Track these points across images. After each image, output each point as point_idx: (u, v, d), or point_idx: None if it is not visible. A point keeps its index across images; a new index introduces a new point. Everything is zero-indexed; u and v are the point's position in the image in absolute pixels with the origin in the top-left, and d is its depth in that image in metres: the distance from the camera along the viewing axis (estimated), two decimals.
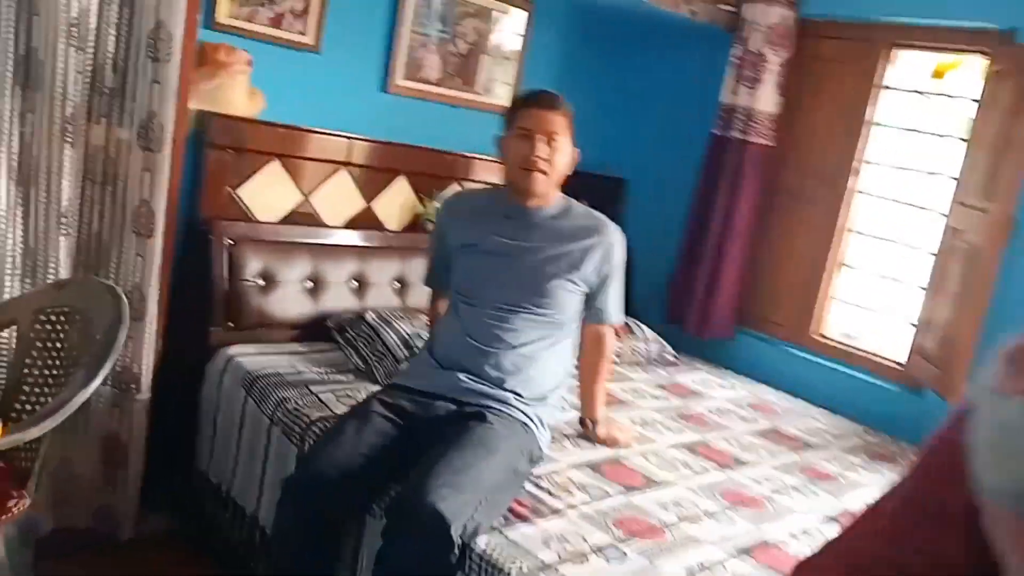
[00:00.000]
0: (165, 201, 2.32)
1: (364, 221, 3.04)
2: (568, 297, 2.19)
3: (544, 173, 2.12)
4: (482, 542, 1.75)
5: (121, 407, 2.39)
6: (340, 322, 2.76)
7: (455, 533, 1.69)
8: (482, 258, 2.21)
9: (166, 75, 2.23)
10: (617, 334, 2.62)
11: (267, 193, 2.78)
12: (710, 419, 2.83)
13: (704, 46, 3.69)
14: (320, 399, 2.34)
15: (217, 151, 2.63)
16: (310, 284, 2.78)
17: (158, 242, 2.32)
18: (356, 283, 2.90)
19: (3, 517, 1.70)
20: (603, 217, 2.27)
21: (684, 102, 3.79)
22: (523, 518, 1.88)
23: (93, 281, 2.14)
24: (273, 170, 2.78)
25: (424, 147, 3.11)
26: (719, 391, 3.19)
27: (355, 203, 3.02)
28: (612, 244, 2.23)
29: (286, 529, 1.88)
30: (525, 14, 3.42)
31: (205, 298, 2.58)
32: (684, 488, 2.21)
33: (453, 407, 2.04)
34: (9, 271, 2.13)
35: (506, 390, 2.09)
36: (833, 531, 0.87)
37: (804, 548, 2.00)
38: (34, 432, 1.67)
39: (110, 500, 2.44)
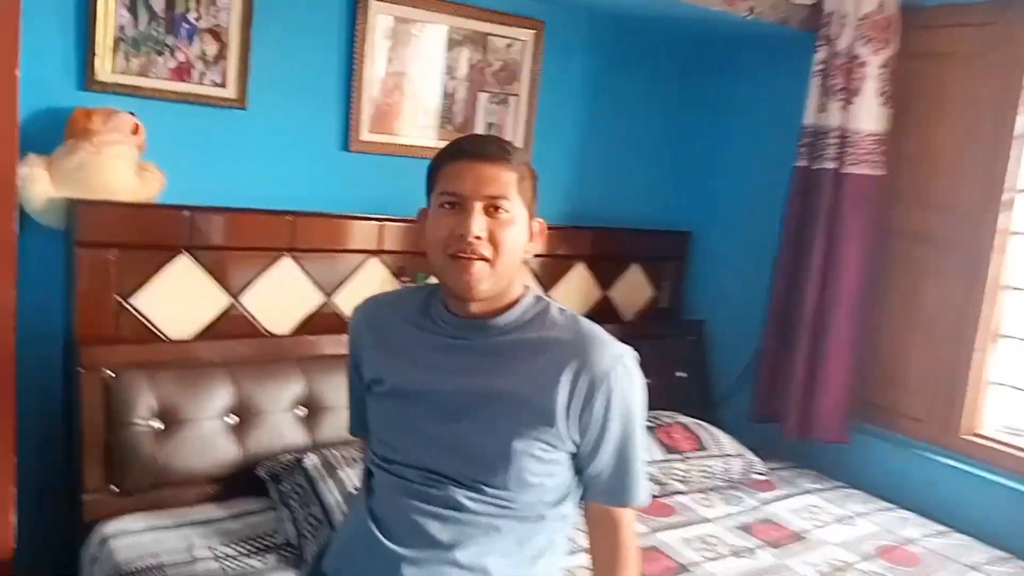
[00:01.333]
0: None
1: (322, 323, 2.29)
2: (539, 468, 1.35)
3: (485, 261, 1.32)
4: None
5: None
6: (274, 469, 2.00)
7: None
8: (398, 402, 1.41)
9: None
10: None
11: (177, 300, 2.08)
12: None
13: (775, 55, 2.82)
14: None
15: (90, 250, 1.94)
16: (233, 419, 2.04)
17: None
18: (304, 409, 2.14)
19: None
20: (594, 329, 1.39)
21: (755, 130, 2.91)
22: None
23: None
24: (181, 268, 2.07)
25: (403, 218, 2.36)
26: (833, 529, 2.23)
27: (308, 300, 2.29)
28: (608, 374, 1.33)
29: None
30: (531, 34, 2.64)
31: (73, 454, 1.87)
32: None
33: None
34: None
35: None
36: None
37: None
38: None
39: None
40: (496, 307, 1.37)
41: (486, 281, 1.32)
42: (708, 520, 2.20)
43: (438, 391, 1.36)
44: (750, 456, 2.47)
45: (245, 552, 1.80)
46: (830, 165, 2.53)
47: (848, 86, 2.51)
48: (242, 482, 2.01)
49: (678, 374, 2.89)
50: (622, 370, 1.34)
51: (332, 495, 1.86)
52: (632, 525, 1.41)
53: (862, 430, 2.62)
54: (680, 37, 2.90)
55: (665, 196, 3.05)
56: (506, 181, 1.32)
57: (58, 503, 1.96)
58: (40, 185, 1.88)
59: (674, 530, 2.11)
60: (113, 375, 1.91)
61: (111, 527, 1.82)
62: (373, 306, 1.51)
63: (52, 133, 1.94)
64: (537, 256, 2.66)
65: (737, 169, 2.97)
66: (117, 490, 1.90)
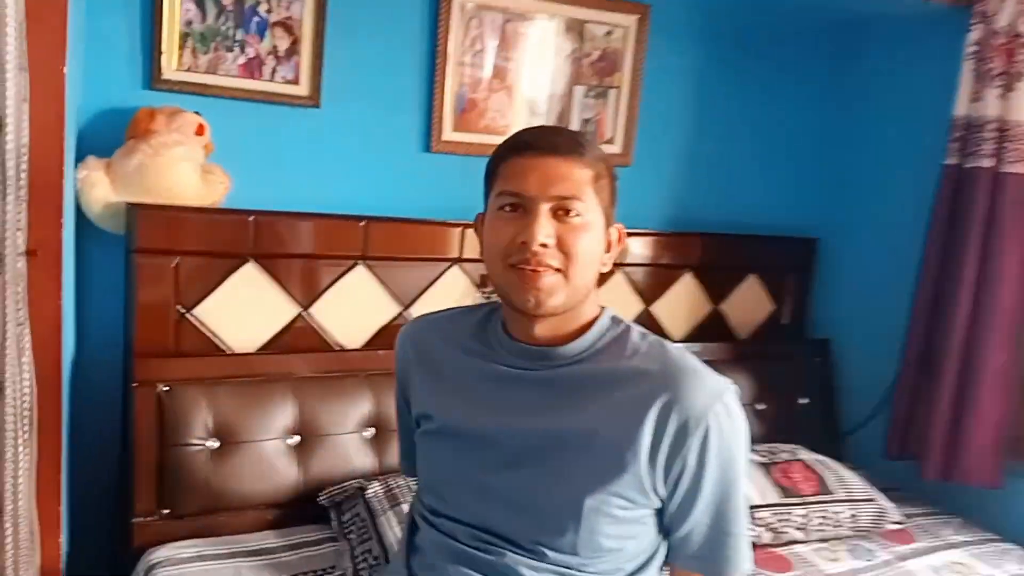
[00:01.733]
0: (29, 338, 1.54)
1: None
2: (616, 530, 1.11)
3: (557, 271, 1.09)
4: None
5: None
6: (336, 496, 1.84)
7: None
8: (448, 444, 1.20)
9: None
10: None
11: (241, 310, 1.95)
12: None
13: (920, 36, 2.45)
14: None
15: (150, 257, 1.83)
16: (295, 440, 1.89)
17: (9, 407, 1.53)
18: (372, 431, 1.97)
19: None
20: (686, 358, 1.13)
21: (896, 123, 2.55)
22: None
23: None
24: (246, 277, 1.94)
25: None
26: None
27: (382, 311, 2.12)
28: (705, 414, 1.08)
29: None
30: (634, 19, 2.39)
31: (122, 474, 1.77)
32: None
33: None
34: None
35: None
36: None
37: None
38: None
39: None
40: (566, 331, 1.15)
41: (556, 296, 1.09)
42: None
43: (495, 432, 1.14)
44: (883, 502, 2.12)
45: None
46: (986, 163, 2.16)
47: (1008, 70, 2.13)
48: (302, 509, 1.85)
49: (800, 401, 2.56)
50: (722, 409, 1.09)
51: (392, 531, 1.67)
52: None
53: (1018, 473, 2.22)
54: (807, 19, 2.57)
55: (788, 198, 2.71)
56: (579, 179, 1.09)
57: (111, 526, 1.86)
58: (99, 189, 1.79)
59: None
60: (168, 390, 1.79)
61: (159, 554, 1.70)
62: (422, 327, 1.31)
63: (116, 134, 1.86)
64: (637, 265, 2.40)
65: (874, 167, 2.61)
66: (168, 513, 1.77)
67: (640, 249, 2.39)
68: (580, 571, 1.11)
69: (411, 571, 1.18)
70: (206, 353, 1.90)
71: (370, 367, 2.02)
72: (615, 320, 1.19)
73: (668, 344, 1.16)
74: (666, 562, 1.19)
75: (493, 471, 1.13)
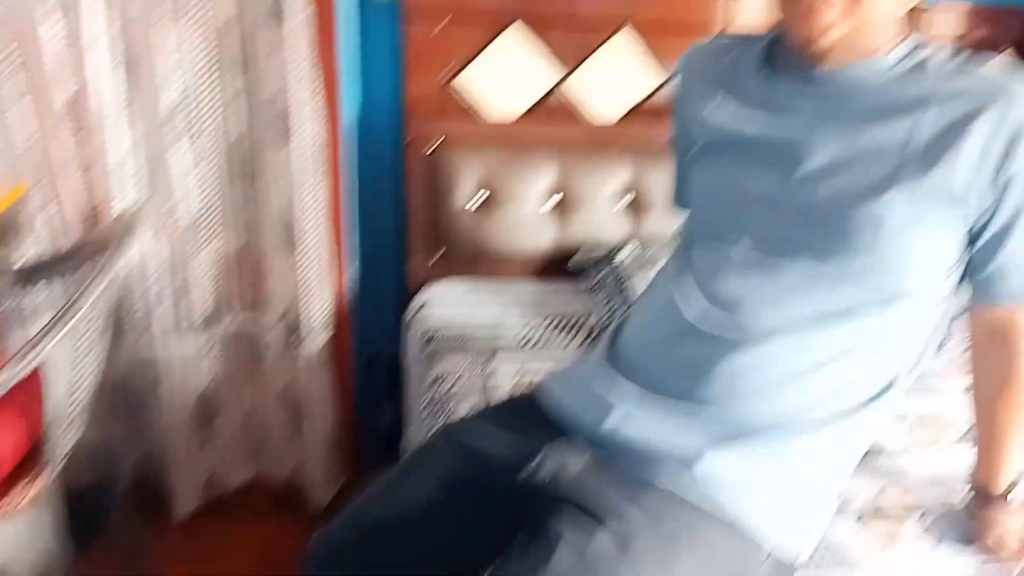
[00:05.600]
0: (309, 91, 1.68)
1: (658, 109, 2.05)
2: (914, 244, 1.01)
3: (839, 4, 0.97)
4: None
5: (291, 354, 1.90)
6: (588, 258, 1.89)
7: None
8: (726, 164, 1.13)
9: None
10: None
11: (502, 77, 1.97)
12: None
13: None
14: (490, 381, 1.54)
15: (417, 22, 1.88)
16: (554, 203, 1.94)
17: (298, 149, 1.70)
18: (627, 200, 1.97)
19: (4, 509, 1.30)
20: (1012, 72, 1.00)
21: None
22: None
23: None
24: (511, 41, 1.95)
25: None
26: None
27: (644, 84, 2.05)
28: None
29: None
30: None
31: (399, 225, 1.92)
32: None
33: (573, 467, 1.05)
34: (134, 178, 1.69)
35: (708, 428, 1.04)
36: None
37: None
38: None
39: (296, 459, 2.00)
40: (858, 51, 1.03)
41: (836, 29, 0.98)
42: None
43: (780, 146, 1.07)
44: None
45: (550, 328, 1.75)
46: None
47: None
48: (556, 267, 1.94)
49: None
50: None
51: (637, 293, 1.70)
52: None
53: None
54: None
55: None
56: None
57: (391, 267, 2.05)
58: None
59: None
60: (437, 150, 1.89)
61: (430, 293, 1.88)
62: (703, 52, 1.24)
63: None
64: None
65: None
66: (439, 260, 1.93)
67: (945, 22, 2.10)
68: (858, 277, 1.02)
69: (669, 292, 1.16)
70: (471, 118, 1.95)
71: (630, 140, 1.99)
72: (915, 41, 1.05)
73: (987, 59, 1.03)
74: (972, 307, 1.11)
75: (781, 186, 1.07)
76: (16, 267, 1.63)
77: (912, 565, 1.13)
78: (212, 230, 1.79)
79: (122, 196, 1.68)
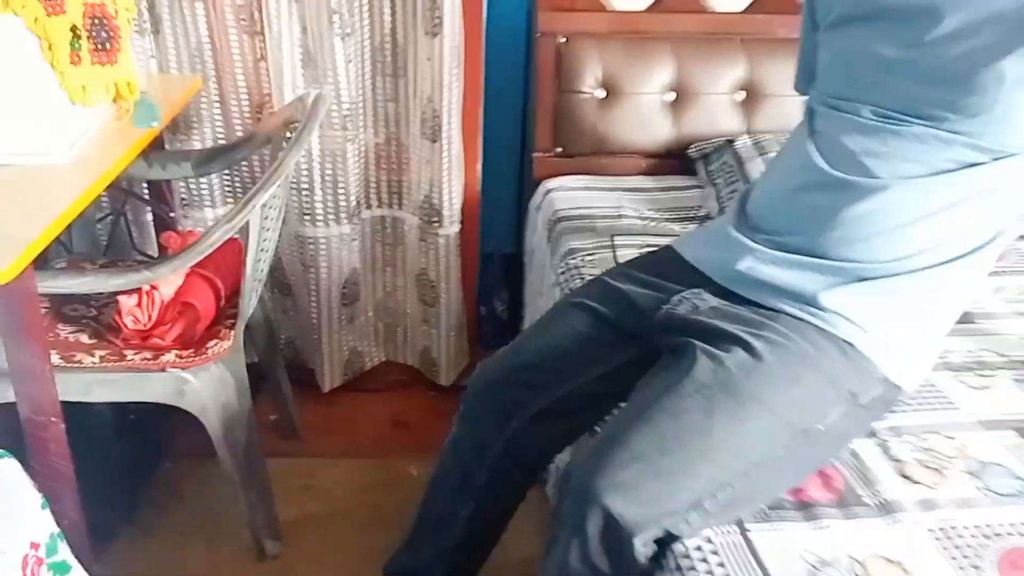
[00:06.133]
0: None
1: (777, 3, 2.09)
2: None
3: None
4: (689, 545, 1.00)
5: (428, 241, 2.08)
6: (705, 150, 2.00)
7: (640, 545, 0.99)
8: (860, 30, 1.23)
9: None
10: None
11: None
12: None
13: None
14: (615, 255, 1.69)
15: None
16: (671, 96, 2.05)
17: (449, 42, 1.84)
18: (743, 94, 2.06)
19: (198, 358, 1.52)
20: None
21: None
22: (810, 509, 1.05)
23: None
24: None
25: None
26: None
27: None
28: None
29: (449, 464, 1.36)
30: None
31: (526, 115, 2.06)
32: None
33: (707, 304, 1.20)
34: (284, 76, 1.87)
35: (832, 268, 1.17)
36: None
37: None
38: (164, 271, 1.41)
39: (430, 341, 2.21)
40: None
41: None
42: None
43: (917, 10, 1.15)
44: None
45: (667, 218, 1.88)
46: None
47: None
48: (674, 160, 2.05)
49: None
50: None
51: (758, 174, 1.81)
52: None
53: None
54: None
55: None
56: None
57: (516, 160, 2.20)
58: None
59: None
60: (565, 41, 2.01)
61: (554, 183, 2.02)
62: None
63: None
64: None
65: None
66: (561, 152, 2.07)
67: None
68: (973, 134, 1.12)
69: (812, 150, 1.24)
70: (597, 8, 2.05)
71: (747, 32, 2.06)
72: None
73: None
74: None
75: (910, 48, 1.15)
76: (191, 155, 1.85)
77: (1005, 407, 1.25)
78: (363, 122, 1.96)
79: (285, 92, 1.87)
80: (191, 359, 1.50)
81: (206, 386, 1.53)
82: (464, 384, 1.42)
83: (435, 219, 2.03)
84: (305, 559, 1.72)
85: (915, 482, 1.09)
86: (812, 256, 1.18)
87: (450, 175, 1.98)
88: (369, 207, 2.08)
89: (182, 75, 1.87)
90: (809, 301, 1.15)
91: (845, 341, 1.12)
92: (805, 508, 1.05)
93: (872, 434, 1.17)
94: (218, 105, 1.92)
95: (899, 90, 1.17)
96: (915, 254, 1.15)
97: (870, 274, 1.16)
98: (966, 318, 1.43)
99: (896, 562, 0.97)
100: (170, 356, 1.50)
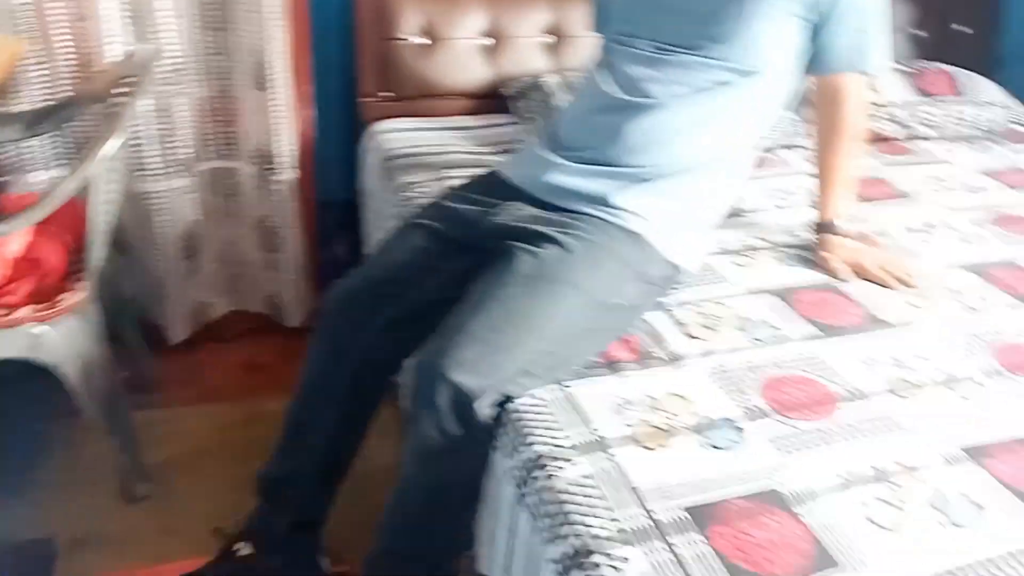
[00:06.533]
0: None
1: None
2: (765, 31, 1.40)
3: None
4: (522, 403, 1.22)
5: (265, 189, 2.18)
6: (518, 89, 2.21)
7: (481, 408, 1.19)
8: None
9: None
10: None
11: None
12: None
13: None
14: (447, 185, 1.87)
15: None
16: (488, 41, 2.24)
17: None
18: (553, 37, 2.29)
19: (52, 312, 1.57)
20: None
21: None
22: (615, 366, 1.29)
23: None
24: None
25: None
26: None
27: None
28: None
29: (312, 373, 1.51)
30: None
31: (349, 68, 2.19)
32: (929, 336, 1.40)
33: (524, 212, 1.42)
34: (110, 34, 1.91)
35: (621, 174, 1.41)
36: None
37: None
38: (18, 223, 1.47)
39: (275, 286, 2.32)
40: None
41: None
42: (948, 163, 2.12)
43: None
44: (1018, 108, 2.27)
45: (491, 152, 2.08)
46: None
47: None
48: (492, 100, 2.25)
49: (958, 28, 2.61)
50: None
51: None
52: (862, 95, 1.51)
53: None
54: None
55: None
56: None
57: (346, 104, 2.32)
58: None
59: (906, 167, 2.07)
60: None
61: (383, 125, 2.18)
62: None
63: None
64: None
65: None
66: (389, 95, 2.22)
67: None
68: (726, 61, 1.40)
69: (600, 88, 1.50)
70: None
71: None
72: None
73: None
74: (813, 72, 1.50)
75: None
76: (20, 116, 1.85)
77: (765, 279, 1.54)
78: (190, 77, 2.03)
79: (111, 48, 1.90)
80: (45, 313, 1.56)
81: (63, 338, 1.59)
82: (311, 326, 1.55)
83: (270, 166, 2.13)
84: (174, 496, 1.81)
85: (696, 338, 1.35)
86: (606, 165, 1.42)
87: (281, 123, 2.08)
88: (205, 159, 2.15)
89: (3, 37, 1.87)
90: (605, 202, 1.39)
91: (634, 232, 1.37)
92: (611, 365, 1.29)
93: (662, 308, 1.42)
94: (44, 66, 1.92)
95: (670, 27, 1.44)
96: (685, 158, 1.42)
97: (652, 176, 1.41)
98: (737, 213, 1.73)
99: (682, 396, 1.22)
100: (25, 311, 1.55)
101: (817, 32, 1.44)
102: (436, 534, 1.31)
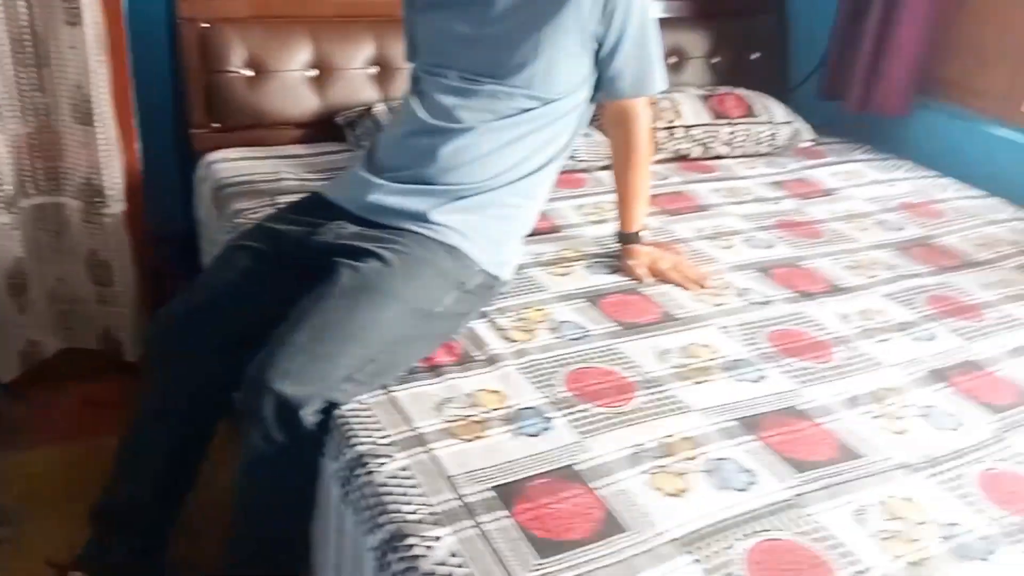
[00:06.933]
0: None
1: None
2: (559, 62, 1.56)
3: None
4: (347, 408, 1.29)
5: (94, 223, 2.16)
6: (350, 118, 2.30)
7: (306, 416, 1.25)
8: (439, 15, 1.62)
9: None
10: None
11: None
12: (828, 228, 2.06)
13: None
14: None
15: None
16: (314, 72, 2.32)
17: (91, 30, 1.95)
18: (377, 68, 2.39)
19: None
20: None
21: None
22: (437, 370, 1.39)
23: None
24: None
25: None
26: (867, 189, 2.35)
27: None
28: None
29: (145, 401, 1.53)
30: None
31: (178, 96, 2.22)
32: (716, 328, 1.58)
33: (347, 230, 1.50)
34: None
35: (437, 192, 1.53)
36: None
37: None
38: None
39: (109, 320, 2.28)
40: None
41: None
42: (743, 177, 2.36)
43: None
44: (800, 124, 2.55)
45: (322, 179, 2.14)
46: None
47: None
48: (323, 129, 2.32)
49: (752, 56, 2.89)
50: None
51: None
52: (647, 116, 1.69)
53: (925, 106, 2.63)
54: None
55: None
56: None
57: (174, 137, 2.33)
58: None
59: (706, 183, 2.30)
60: (208, 26, 2.19)
61: (215, 156, 2.20)
62: None
63: None
64: None
65: None
66: (218, 127, 2.25)
67: None
68: (520, 90, 1.55)
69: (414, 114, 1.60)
70: None
71: (375, 13, 2.36)
72: None
73: None
74: (599, 100, 1.66)
75: (476, 26, 1.56)
76: None
77: (577, 285, 1.69)
78: (10, 114, 1.99)
79: None
80: None
81: None
82: None
83: (98, 199, 2.11)
84: (23, 539, 1.76)
85: (512, 340, 1.48)
86: (422, 184, 1.53)
87: (110, 157, 2.08)
88: (28, 196, 2.11)
89: None
90: (424, 219, 1.50)
91: (452, 245, 1.48)
92: (434, 370, 1.38)
93: (484, 316, 1.54)
94: None
95: (473, 58, 1.58)
96: (494, 176, 1.55)
97: (465, 194, 1.53)
98: (553, 229, 1.89)
99: (496, 391, 1.34)
100: None
101: (606, 62, 1.61)
102: (272, 543, 1.36)
